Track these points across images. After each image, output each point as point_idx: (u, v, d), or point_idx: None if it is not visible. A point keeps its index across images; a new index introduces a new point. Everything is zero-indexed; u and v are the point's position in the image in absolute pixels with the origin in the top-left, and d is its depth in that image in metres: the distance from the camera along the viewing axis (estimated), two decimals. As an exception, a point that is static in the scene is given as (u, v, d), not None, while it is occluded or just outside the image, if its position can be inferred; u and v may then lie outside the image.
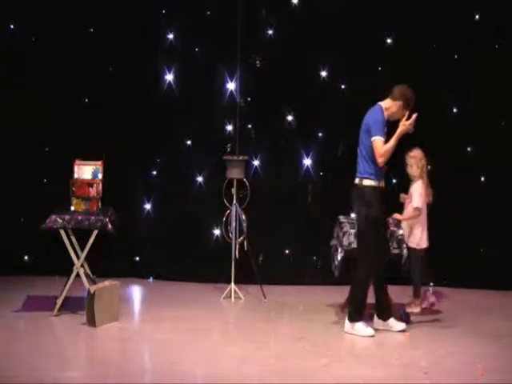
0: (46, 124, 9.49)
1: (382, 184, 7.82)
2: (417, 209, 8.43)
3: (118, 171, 9.24)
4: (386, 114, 7.77)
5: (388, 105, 7.80)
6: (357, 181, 7.81)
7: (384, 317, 7.92)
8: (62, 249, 8.23)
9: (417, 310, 8.44)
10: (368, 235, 7.75)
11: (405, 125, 7.67)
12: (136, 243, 9.67)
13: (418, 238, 8.49)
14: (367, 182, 7.75)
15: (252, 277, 9.05)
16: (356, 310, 7.81)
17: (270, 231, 9.50)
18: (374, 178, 7.73)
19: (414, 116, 7.66)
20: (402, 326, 7.90)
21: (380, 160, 7.68)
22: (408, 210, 8.53)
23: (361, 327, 7.77)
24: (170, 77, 9.59)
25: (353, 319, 7.81)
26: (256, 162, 9.55)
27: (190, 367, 6.86)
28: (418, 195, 8.44)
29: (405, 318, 8.14)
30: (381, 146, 7.64)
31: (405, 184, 9.17)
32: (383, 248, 7.93)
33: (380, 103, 7.82)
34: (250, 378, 6.62)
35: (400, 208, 8.62)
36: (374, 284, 7.96)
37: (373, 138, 7.67)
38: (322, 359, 7.08)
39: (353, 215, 8.38)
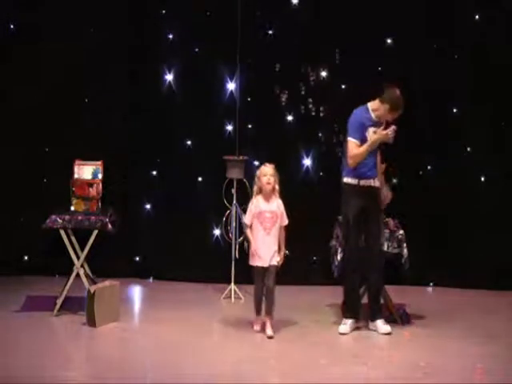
0: (46, 124, 9.50)
1: (364, 183, 7.72)
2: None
3: (118, 171, 9.25)
4: (374, 114, 7.69)
5: (375, 106, 7.68)
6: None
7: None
8: (62, 249, 8.23)
9: None
10: (344, 233, 7.81)
11: (381, 134, 7.54)
12: (136, 243, 9.67)
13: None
14: (345, 180, 7.76)
15: (252, 277, 9.03)
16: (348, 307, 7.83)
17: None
18: (352, 176, 7.71)
19: (392, 128, 7.51)
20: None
21: (350, 161, 7.65)
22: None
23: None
24: (169, 77, 9.60)
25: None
26: (256, 162, 9.55)
27: (189, 367, 6.86)
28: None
29: (405, 318, 8.14)
30: (352, 148, 7.61)
31: (402, 185, 9.21)
32: (366, 248, 7.81)
33: (368, 104, 7.74)
34: (249, 378, 6.61)
35: (398, 209, 8.62)
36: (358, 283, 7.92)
37: (347, 139, 7.69)
38: (322, 359, 7.08)
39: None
